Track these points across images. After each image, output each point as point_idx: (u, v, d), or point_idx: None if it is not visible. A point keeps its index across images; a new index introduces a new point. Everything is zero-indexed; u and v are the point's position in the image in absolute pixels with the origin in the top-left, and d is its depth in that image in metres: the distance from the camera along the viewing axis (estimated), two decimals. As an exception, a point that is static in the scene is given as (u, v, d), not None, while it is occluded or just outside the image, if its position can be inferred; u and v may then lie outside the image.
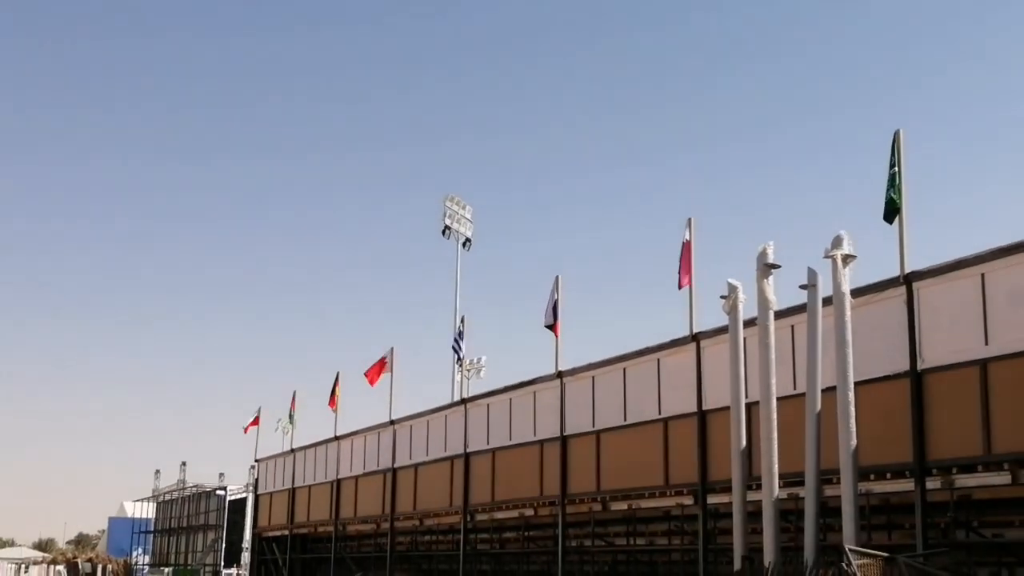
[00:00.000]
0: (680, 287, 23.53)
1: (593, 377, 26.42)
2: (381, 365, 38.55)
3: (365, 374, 38.83)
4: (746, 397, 19.80)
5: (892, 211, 18.62)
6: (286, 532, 48.01)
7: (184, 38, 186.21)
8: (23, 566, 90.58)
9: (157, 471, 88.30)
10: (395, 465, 36.91)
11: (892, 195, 18.53)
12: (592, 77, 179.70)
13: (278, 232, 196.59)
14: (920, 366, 17.82)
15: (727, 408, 20.26)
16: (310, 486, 44.99)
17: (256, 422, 52.31)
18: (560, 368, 27.84)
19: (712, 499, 22.25)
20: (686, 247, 23.52)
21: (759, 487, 19.10)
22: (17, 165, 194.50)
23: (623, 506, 25.57)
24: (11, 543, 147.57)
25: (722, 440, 20.94)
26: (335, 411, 43.25)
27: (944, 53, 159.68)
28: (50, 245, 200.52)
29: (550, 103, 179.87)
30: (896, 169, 18.66)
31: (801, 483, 18.34)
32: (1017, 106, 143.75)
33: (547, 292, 28.99)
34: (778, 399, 18.78)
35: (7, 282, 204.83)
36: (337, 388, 43.11)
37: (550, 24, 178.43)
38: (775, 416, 18.65)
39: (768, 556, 18.42)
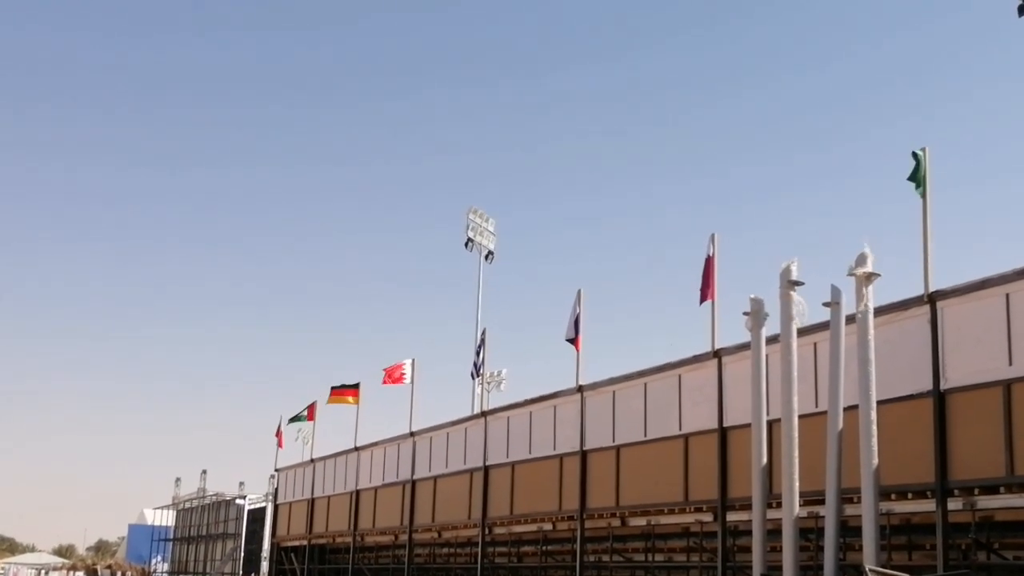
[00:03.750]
0: (701, 302, 23.49)
1: (614, 392, 26.39)
2: (397, 373, 38.90)
3: (384, 371, 39.36)
4: (767, 414, 19.73)
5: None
6: (304, 542, 48.11)
7: (212, 41, 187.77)
8: (43, 571, 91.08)
9: (177, 479, 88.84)
10: (414, 477, 36.95)
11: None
12: (616, 91, 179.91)
13: (300, 243, 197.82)
14: (943, 386, 17.71)
15: (748, 425, 20.18)
16: (329, 496, 45.06)
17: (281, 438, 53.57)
18: (581, 382, 27.82)
19: (731, 516, 22.16)
20: (709, 262, 23.48)
21: (779, 505, 19.01)
22: (64, 171, 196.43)
23: (642, 522, 25.51)
24: (32, 548, 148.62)
25: (742, 457, 20.87)
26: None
27: (971, 72, 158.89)
28: (73, 254, 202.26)
29: (574, 117, 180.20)
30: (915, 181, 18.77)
31: (821, 502, 18.24)
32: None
33: (569, 306, 29.00)
34: (800, 417, 18.69)
35: (31, 292, 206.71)
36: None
37: (576, 37, 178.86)
38: (796, 434, 18.57)
39: (787, 575, 18.34)
